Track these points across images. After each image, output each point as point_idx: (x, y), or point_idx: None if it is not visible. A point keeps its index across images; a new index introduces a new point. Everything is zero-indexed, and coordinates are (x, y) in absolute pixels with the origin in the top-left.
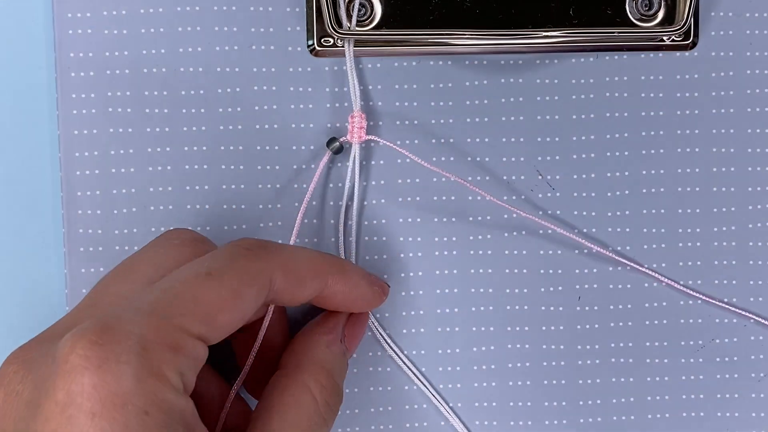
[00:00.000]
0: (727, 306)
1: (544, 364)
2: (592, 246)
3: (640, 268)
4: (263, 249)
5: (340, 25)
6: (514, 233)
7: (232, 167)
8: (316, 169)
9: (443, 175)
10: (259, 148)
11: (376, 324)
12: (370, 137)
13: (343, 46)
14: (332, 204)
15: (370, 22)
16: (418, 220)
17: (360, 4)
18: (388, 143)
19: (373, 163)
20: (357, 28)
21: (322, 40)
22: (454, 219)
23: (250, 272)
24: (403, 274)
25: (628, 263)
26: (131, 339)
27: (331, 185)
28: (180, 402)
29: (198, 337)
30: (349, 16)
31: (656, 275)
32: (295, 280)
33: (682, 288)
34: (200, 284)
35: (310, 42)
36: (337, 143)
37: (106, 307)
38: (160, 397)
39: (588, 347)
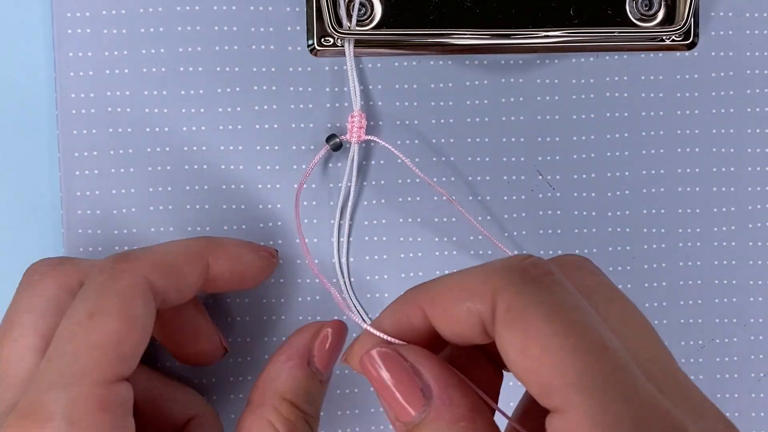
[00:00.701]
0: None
1: None
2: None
3: None
4: (129, 261)
5: (340, 24)
6: (515, 233)
7: (232, 167)
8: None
9: (437, 190)
10: (258, 148)
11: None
12: (369, 137)
13: (343, 46)
14: (332, 204)
15: (370, 22)
16: (419, 220)
17: (360, 3)
18: (386, 144)
19: (373, 163)
20: (357, 28)
21: (322, 39)
22: (454, 219)
23: (127, 291)
24: (403, 275)
25: None
26: (56, 418)
27: (331, 185)
28: None
29: (115, 379)
30: (349, 16)
31: None
32: (172, 274)
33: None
34: (89, 333)
35: (310, 42)
36: (337, 140)
37: (17, 383)
38: None
39: None
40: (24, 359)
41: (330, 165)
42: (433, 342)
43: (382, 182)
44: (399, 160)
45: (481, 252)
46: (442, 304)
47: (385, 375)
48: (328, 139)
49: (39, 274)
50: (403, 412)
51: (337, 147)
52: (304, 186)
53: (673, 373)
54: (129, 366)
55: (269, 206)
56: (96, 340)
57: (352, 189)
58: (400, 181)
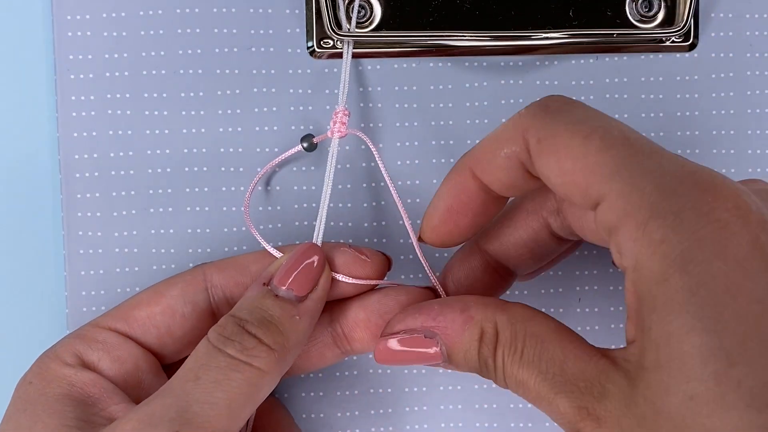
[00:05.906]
0: None
1: None
2: None
3: None
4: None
5: (339, 26)
6: None
7: (232, 169)
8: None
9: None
10: (258, 150)
11: None
12: (351, 131)
13: (342, 48)
14: (333, 206)
15: (370, 24)
16: (418, 222)
17: (359, 5)
18: (363, 137)
19: (372, 164)
20: (356, 30)
21: (322, 41)
22: None
23: (171, 279)
24: (403, 276)
25: None
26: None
27: (348, 186)
28: (66, 371)
29: (108, 329)
30: (349, 18)
31: None
32: (232, 267)
33: None
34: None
35: (310, 44)
36: (312, 141)
37: None
38: (44, 368)
39: None
40: None
41: (339, 166)
42: (488, 201)
43: (382, 184)
44: (399, 162)
45: None
46: (484, 158)
47: (402, 352)
48: (303, 139)
49: None
50: (431, 360)
51: (311, 148)
52: (262, 172)
53: None
54: (136, 325)
55: (269, 208)
56: (122, 305)
57: (329, 186)
58: (400, 183)
